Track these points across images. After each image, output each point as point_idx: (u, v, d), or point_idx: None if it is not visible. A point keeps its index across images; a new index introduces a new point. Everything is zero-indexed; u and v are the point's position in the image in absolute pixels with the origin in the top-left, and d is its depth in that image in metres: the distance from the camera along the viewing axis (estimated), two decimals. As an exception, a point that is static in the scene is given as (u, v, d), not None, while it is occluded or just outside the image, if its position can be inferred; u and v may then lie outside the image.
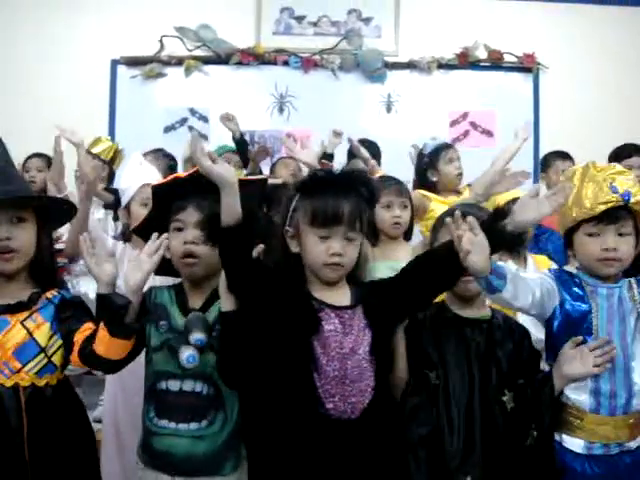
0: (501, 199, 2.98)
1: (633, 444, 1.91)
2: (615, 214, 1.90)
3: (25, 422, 1.75)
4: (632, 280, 1.98)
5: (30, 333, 1.77)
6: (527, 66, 5.07)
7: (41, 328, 1.79)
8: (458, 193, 3.66)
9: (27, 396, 1.76)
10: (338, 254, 1.75)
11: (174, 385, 1.87)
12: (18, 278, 1.83)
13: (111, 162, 4.18)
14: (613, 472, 1.89)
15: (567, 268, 2.08)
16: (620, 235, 1.92)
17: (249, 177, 2.30)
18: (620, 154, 4.02)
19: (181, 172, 2.88)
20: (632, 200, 1.90)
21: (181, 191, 1.92)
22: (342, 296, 1.81)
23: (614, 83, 5.07)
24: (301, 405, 1.71)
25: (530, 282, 1.89)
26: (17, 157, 3.56)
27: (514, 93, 5.11)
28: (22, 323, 1.77)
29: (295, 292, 1.77)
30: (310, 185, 1.82)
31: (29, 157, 4.17)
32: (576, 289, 1.94)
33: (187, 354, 1.78)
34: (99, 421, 2.74)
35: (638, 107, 5.00)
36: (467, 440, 1.82)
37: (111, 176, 4.14)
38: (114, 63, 5.02)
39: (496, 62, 5.06)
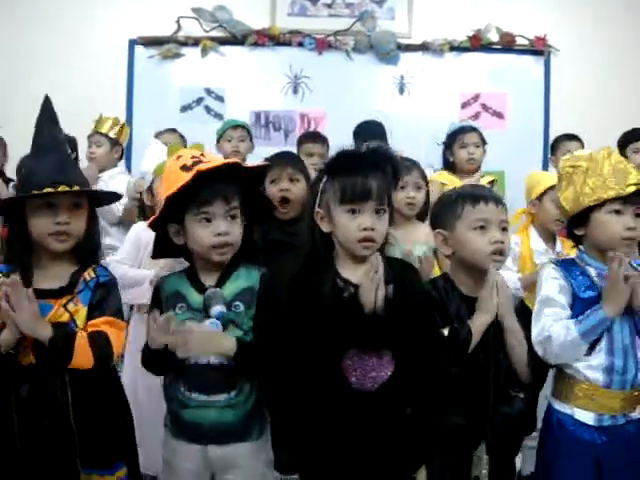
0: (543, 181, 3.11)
1: (637, 414, 2.05)
2: (637, 196, 2.02)
3: (70, 396, 1.90)
4: (628, 260, 2.08)
5: (71, 315, 1.91)
6: (538, 49, 5.10)
7: (80, 311, 1.93)
8: (476, 173, 3.78)
9: (70, 373, 1.90)
10: (370, 229, 1.83)
11: (202, 359, 1.96)
12: (64, 256, 1.96)
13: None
14: (619, 440, 2.02)
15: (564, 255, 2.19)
16: (636, 216, 2.04)
17: (251, 164, 2.36)
18: (629, 138, 4.11)
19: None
20: None
21: (202, 182, 1.94)
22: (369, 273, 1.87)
23: (625, 66, 5.09)
24: (326, 378, 1.82)
25: (562, 316, 2.02)
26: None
27: (525, 76, 5.14)
28: (64, 306, 1.91)
29: (322, 274, 1.85)
30: (337, 165, 1.90)
31: None
32: (581, 277, 2.05)
33: (210, 321, 1.89)
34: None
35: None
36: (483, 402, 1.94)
37: (121, 154, 4.22)
38: (132, 43, 5.08)
39: (508, 45, 5.09)
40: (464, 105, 5.14)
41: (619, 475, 2.02)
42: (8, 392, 1.87)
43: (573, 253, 2.34)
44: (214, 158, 2.06)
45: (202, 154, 2.02)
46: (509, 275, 2.71)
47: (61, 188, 1.87)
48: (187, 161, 1.96)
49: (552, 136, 4.72)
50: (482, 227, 1.95)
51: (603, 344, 1.99)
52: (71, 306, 1.91)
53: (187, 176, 1.91)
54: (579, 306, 2.02)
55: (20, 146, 4.03)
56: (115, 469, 1.99)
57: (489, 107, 5.14)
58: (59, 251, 1.93)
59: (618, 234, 2.02)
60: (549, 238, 3.08)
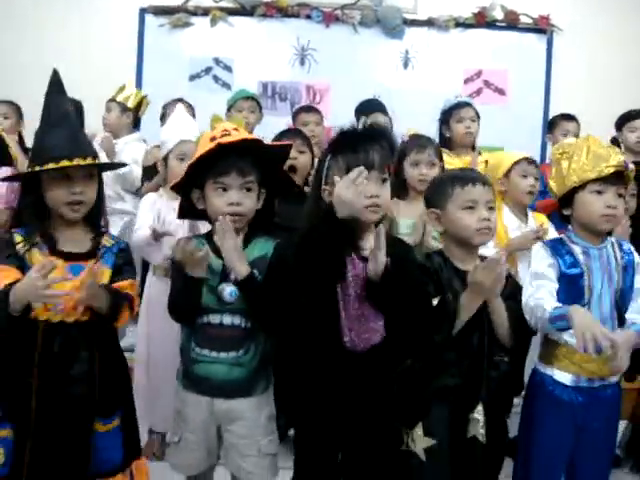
0: (506, 159, 3.25)
1: (613, 379, 2.22)
2: (617, 177, 2.17)
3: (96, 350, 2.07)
4: (612, 239, 2.27)
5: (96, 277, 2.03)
6: (542, 28, 5.20)
7: (104, 274, 2.06)
8: (474, 149, 3.91)
9: (97, 329, 2.05)
10: (376, 196, 1.98)
11: (215, 319, 2.11)
12: (78, 224, 2.09)
13: (137, 109, 4.33)
14: (595, 401, 2.19)
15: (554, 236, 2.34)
16: (618, 196, 2.19)
17: (275, 143, 2.51)
18: (626, 117, 4.24)
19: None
20: (630, 168, 2.20)
21: (222, 153, 2.10)
22: (369, 244, 2.01)
23: (626, 47, 5.18)
24: (324, 335, 1.97)
25: (551, 288, 2.15)
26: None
27: (528, 54, 5.24)
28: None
29: (327, 243, 1.97)
30: (339, 143, 2.05)
31: None
32: (567, 256, 2.20)
33: (229, 290, 2.04)
34: (129, 350, 3.00)
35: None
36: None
37: (136, 123, 4.35)
38: (142, 12, 5.16)
39: (512, 23, 5.20)
40: (467, 81, 5.25)
41: (594, 434, 2.20)
42: (30, 347, 1.99)
43: (545, 226, 2.60)
44: (242, 133, 2.19)
45: (236, 129, 2.16)
46: (488, 252, 2.86)
47: (76, 160, 1.98)
48: (217, 133, 2.12)
49: (552, 113, 4.82)
50: (470, 207, 2.12)
51: None
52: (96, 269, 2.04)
53: (210, 146, 2.07)
54: (564, 281, 2.18)
55: (36, 114, 4.17)
56: (113, 417, 2.14)
57: (491, 83, 5.25)
58: (73, 219, 2.06)
59: (599, 212, 2.17)
60: (521, 213, 3.23)
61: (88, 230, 2.11)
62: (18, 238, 2.02)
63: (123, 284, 2.09)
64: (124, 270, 2.12)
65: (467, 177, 2.17)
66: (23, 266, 1.97)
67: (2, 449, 2.00)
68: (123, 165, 2.53)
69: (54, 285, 1.85)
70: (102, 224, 2.18)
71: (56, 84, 2.09)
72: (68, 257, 2.02)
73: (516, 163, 3.19)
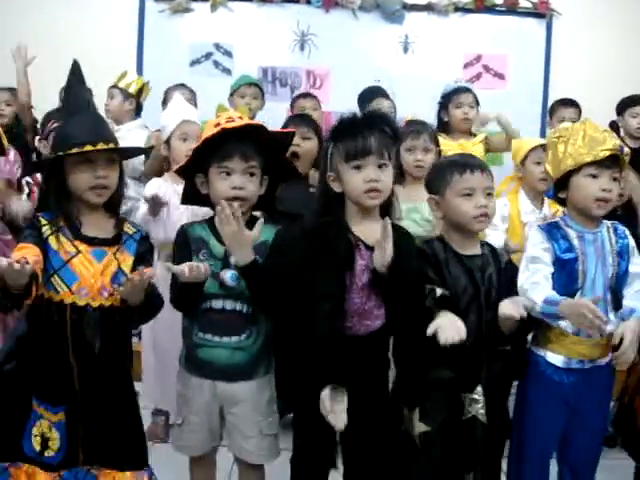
0: (524, 146, 3.30)
1: (603, 361, 2.26)
2: (612, 161, 2.21)
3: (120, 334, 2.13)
4: (608, 224, 2.30)
5: (119, 263, 2.08)
6: (541, 12, 5.20)
7: (126, 260, 2.10)
8: (472, 135, 3.94)
9: (120, 313, 2.10)
10: (375, 180, 2.03)
11: (217, 304, 2.16)
12: (100, 209, 2.13)
13: (138, 95, 4.32)
14: (585, 382, 2.24)
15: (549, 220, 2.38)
16: (613, 180, 2.22)
17: (278, 130, 2.55)
18: (627, 102, 4.26)
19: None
20: (625, 152, 2.24)
21: (225, 138, 2.15)
22: (374, 233, 2.06)
23: (626, 31, 5.18)
24: (328, 320, 2.01)
25: (546, 272, 2.19)
26: (54, 97, 3.83)
27: (527, 38, 5.25)
28: (114, 255, 2.08)
29: (335, 230, 2.05)
30: (340, 130, 2.10)
31: None
32: (562, 241, 2.23)
33: (230, 273, 2.08)
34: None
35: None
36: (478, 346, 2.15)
37: (138, 109, 4.35)
38: (143, -3, 5.15)
39: (511, 7, 5.20)
40: (466, 65, 5.26)
41: (585, 415, 2.26)
42: (62, 330, 2.04)
43: (559, 214, 2.56)
44: (246, 120, 2.24)
45: (240, 117, 2.22)
46: (497, 235, 2.91)
47: (100, 145, 2.03)
48: (222, 120, 2.17)
49: (551, 98, 4.85)
50: (468, 194, 2.16)
51: (576, 297, 2.16)
52: (119, 255, 2.10)
53: (214, 130, 2.13)
54: (559, 265, 2.21)
55: (38, 95, 4.22)
56: None
57: (491, 68, 5.26)
58: (97, 204, 2.10)
59: (593, 195, 2.20)
60: (536, 199, 3.29)
61: (109, 216, 2.15)
62: (43, 221, 2.06)
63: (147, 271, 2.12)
64: (147, 258, 2.17)
65: (466, 164, 2.20)
66: (47, 249, 2.02)
67: (57, 434, 2.05)
68: (144, 151, 2.54)
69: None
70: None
71: (76, 74, 2.16)
72: (92, 242, 2.07)
73: (532, 150, 3.25)
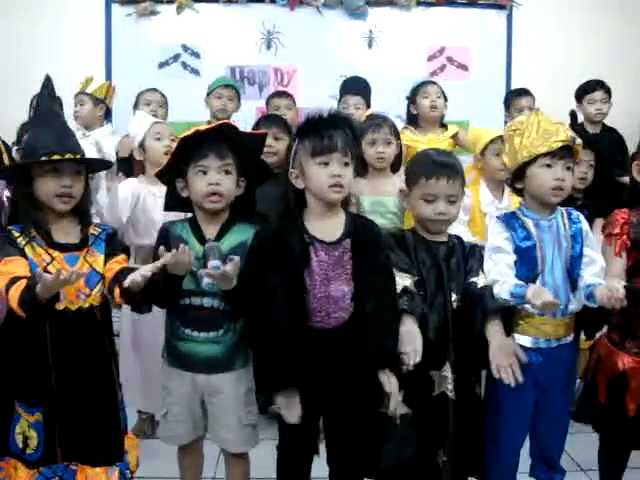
0: (483, 137, 3.38)
1: (569, 338, 2.39)
2: (565, 151, 2.32)
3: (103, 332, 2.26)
4: (562, 210, 2.42)
5: (90, 265, 2.20)
6: (501, 3, 5.28)
7: (97, 260, 2.23)
8: (443, 127, 4.05)
9: (99, 312, 2.23)
10: (338, 175, 2.12)
11: (196, 301, 2.27)
12: (67, 216, 2.24)
13: (105, 99, 4.35)
14: (553, 360, 2.36)
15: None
16: (567, 169, 2.33)
17: (252, 132, 2.66)
18: (585, 89, 4.36)
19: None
20: (576, 142, 2.35)
21: (201, 141, 2.27)
22: (334, 228, 2.18)
23: (586, 21, 5.27)
24: (293, 320, 2.11)
25: (509, 261, 2.30)
26: (20, 103, 3.82)
27: (489, 30, 5.33)
28: (84, 258, 2.20)
29: (292, 231, 2.15)
30: (306, 127, 2.19)
31: None
32: (520, 230, 2.35)
33: (206, 281, 2.12)
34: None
35: (608, 44, 5.20)
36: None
37: (107, 113, 4.40)
38: (108, 2, 5.17)
39: (472, 0, 5.28)
40: (430, 58, 5.33)
41: (553, 392, 2.38)
42: (42, 333, 2.14)
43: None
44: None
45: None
46: (458, 227, 2.99)
47: (67, 156, 2.15)
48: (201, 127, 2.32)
49: (514, 87, 4.93)
50: (430, 200, 2.27)
51: (538, 282, 2.29)
52: (89, 257, 2.21)
53: (187, 132, 2.27)
54: (518, 253, 2.33)
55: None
56: None
57: (454, 60, 5.34)
58: (62, 211, 2.20)
59: (548, 184, 2.32)
60: (496, 189, 3.39)
61: (76, 222, 2.26)
62: (16, 234, 2.17)
63: (118, 259, 2.26)
64: (117, 252, 2.29)
65: (435, 171, 2.26)
66: (25, 258, 2.12)
67: (35, 433, 2.16)
68: (111, 165, 2.64)
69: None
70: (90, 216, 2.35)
71: (48, 88, 2.29)
72: (63, 248, 2.18)
73: (491, 142, 3.34)
